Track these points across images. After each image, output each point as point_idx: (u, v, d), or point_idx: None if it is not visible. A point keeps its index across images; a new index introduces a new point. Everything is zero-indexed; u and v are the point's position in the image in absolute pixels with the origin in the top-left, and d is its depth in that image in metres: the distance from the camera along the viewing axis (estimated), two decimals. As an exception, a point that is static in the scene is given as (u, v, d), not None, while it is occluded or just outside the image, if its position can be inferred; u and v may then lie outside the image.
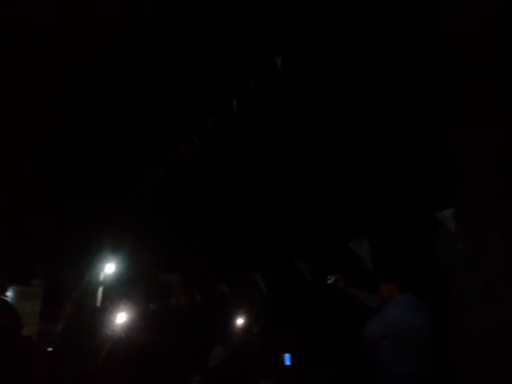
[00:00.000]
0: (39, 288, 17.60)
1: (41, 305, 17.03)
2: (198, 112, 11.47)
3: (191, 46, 10.55)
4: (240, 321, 12.12)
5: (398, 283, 5.20)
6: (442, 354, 5.37)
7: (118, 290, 16.81)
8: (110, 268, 17.64)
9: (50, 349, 11.34)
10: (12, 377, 6.43)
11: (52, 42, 9.55)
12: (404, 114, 8.97)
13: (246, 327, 11.56)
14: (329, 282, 6.19)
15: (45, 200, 14.31)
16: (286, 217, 12.71)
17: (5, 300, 10.26)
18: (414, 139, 8.84)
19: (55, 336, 14.05)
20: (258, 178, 13.01)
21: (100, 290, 17.44)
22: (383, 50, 8.85)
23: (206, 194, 13.86)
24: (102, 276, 17.48)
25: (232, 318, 12.05)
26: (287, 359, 13.96)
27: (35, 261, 16.74)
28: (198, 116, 11.44)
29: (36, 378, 7.55)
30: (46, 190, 14.15)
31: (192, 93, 11.59)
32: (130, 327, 14.43)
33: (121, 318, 17.20)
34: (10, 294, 15.85)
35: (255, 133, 12.08)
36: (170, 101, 12.08)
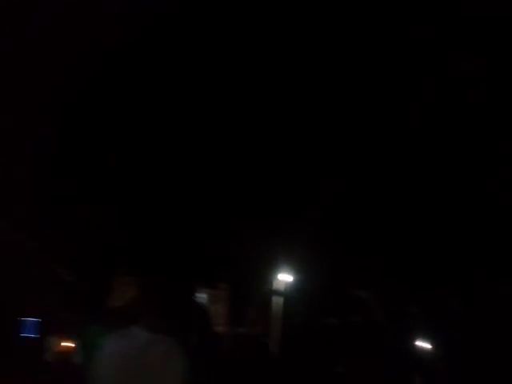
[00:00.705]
0: (226, 292, 18.99)
1: (228, 308, 18.34)
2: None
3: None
4: (427, 346, 11.12)
5: None
6: None
7: (296, 300, 17.11)
8: (287, 277, 18.07)
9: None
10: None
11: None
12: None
13: (437, 354, 10.52)
14: None
15: (231, 214, 15.45)
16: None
17: (198, 301, 11.22)
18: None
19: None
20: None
21: (279, 298, 17.98)
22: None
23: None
24: (281, 285, 17.98)
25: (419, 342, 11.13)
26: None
27: (222, 267, 18.06)
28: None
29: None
30: (233, 206, 15.33)
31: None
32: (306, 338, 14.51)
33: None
34: (203, 296, 17.52)
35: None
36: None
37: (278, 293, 17.68)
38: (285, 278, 17.75)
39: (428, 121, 10.79)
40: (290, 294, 17.12)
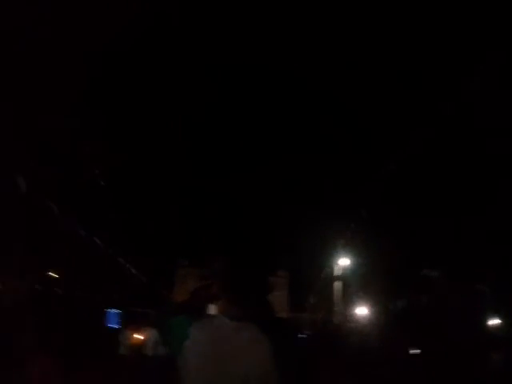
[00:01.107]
0: (286, 279, 19.14)
1: (287, 295, 18.49)
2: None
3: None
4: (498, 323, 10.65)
5: None
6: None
7: (355, 284, 16.93)
8: (345, 262, 17.90)
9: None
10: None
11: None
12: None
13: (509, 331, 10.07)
14: None
15: (290, 199, 15.55)
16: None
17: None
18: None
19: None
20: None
21: (338, 283, 17.87)
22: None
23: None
24: (338, 269, 17.85)
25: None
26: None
27: (281, 254, 18.17)
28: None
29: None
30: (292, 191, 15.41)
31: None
32: (372, 322, 14.35)
33: (361, 310, 17.30)
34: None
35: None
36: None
37: (337, 278, 17.57)
38: (343, 262, 17.60)
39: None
40: (349, 278, 16.95)
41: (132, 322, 9.75)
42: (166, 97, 12.62)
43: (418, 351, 9.90)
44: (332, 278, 17.15)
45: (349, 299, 16.57)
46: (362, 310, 15.71)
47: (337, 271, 17.81)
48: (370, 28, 10.82)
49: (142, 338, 9.09)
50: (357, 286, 16.62)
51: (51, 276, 18.92)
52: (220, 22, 10.96)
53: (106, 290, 15.94)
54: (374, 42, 11.08)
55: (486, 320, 10.40)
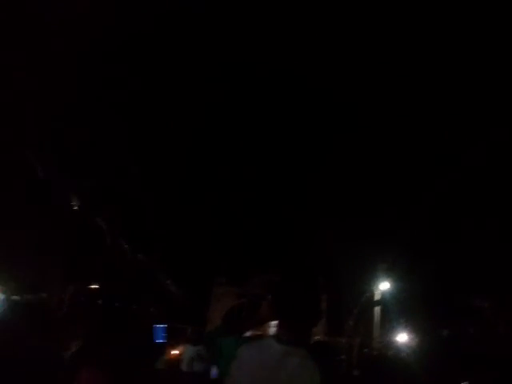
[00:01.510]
0: (324, 302, 18.70)
1: (325, 317, 18.11)
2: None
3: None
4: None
5: None
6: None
7: (396, 309, 16.45)
8: (385, 286, 17.46)
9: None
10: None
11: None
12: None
13: None
14: None
15: (327, 224, 15.41)
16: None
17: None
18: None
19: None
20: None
21: (377, 307, 17.43)
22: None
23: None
24: (378, 294, 17.44)
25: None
26: None
27: (318, 275, 17.91)
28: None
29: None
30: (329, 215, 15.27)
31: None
32: (412, 348, 13.83)
33: (401, 337, 16.75)
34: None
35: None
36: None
37: (377, 302, 17.16)
38: (384, 286, 17.19)
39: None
40: (389, 303, 16.50)
41: (169, 337, 9.82)
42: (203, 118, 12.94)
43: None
44: (372, 303, 16.74)
45: (389, 325, 16.10)
46: (402, 337, 15.21)
47: (377, 295, 17.40)
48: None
49: (178, 353, 9.14)
50: (397, 311, 16.15)
51: (95, 288, 19.50)
52: (224, 24, 11.12)
53: (146, 304, 16.16)
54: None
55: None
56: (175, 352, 9.16)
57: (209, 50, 11.76)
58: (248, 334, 3.20)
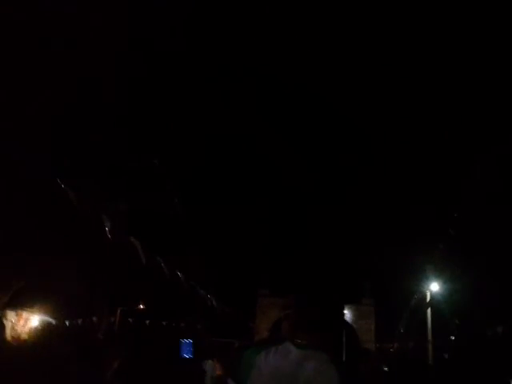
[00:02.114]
0: (371, 307, 18.39)
1: (374, 323, 17.71)
2: None
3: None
4: None
5: None
6: None
7: (448, 310, 15.86)
8: (435, 287, 16.88)
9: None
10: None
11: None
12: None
13: None
14: None
15: (373, 225, 15.16)
16: None
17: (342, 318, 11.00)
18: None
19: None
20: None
21: (428, 310, 16.84)
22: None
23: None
24: (428, 295, 16.86)
25: None
26: None
27: (364, 280, 17.57)
28: None
29: None
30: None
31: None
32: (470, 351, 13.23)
33: (455, 339, 16.05)
34: (346, 312, 17.16)
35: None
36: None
37: (429, 304, 16.56)
38: (432, 287, 16.61)
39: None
40: (440, 305, 15.90)
41: (215, 352, 9.82)
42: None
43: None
44: (424, 305, 16.19)
45: (440, 327, 15.51)
46: (456, 338, 14.63)
47: (427, 297, 16.82)
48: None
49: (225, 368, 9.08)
50: (449, 312, 15.55)
51: (140, 309, 19.96)
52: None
53: (187, 320, 16.37)
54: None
55: None
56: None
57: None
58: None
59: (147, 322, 15.42)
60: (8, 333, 11.70)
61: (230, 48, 11.53)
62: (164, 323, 16.51)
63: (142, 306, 18.77)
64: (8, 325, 12.99)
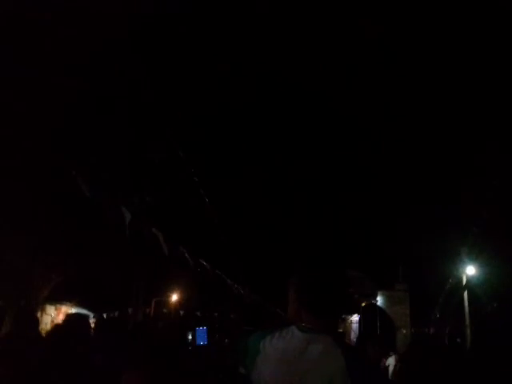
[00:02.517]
0: (405, 293, 18.10)
1: (409, 308, 17.44)
2: None
3: None
4: None
5: None
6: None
7: (484, 294, 15.47)
8: (471, 270, 16.47)
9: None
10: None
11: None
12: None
13: None
14: None
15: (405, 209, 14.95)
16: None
17: (375, 304, 10.90)
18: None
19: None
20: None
21: (465, 294, 16.48)
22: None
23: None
24: (464, 279, 16.49)
25: None
26: None
27: (398, 266, 17.30)
28: None
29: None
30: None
31: None
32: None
33: (493, 323, 15.53)
34: (378, 298, 16.98)
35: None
36: None
37: (464, 288, 16.19)
38: (468, 270, 16.22)
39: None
40: (476, 288, 15.52)
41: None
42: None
43: None
44: (460, 289, 15.84)
45: (477, 311, 15.14)
46: (494, 323, 14.23)
47: (463, 281, 16.45)
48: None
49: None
50: (486, 296, 15.15)
51: (174, 300, 20.40)
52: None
53: (226, 312, 16.60)
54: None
55: None
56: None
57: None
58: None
59: (181, 312, 15.73)
60: (48, 327, 12.14)
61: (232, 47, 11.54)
62: (198, 313, 16.82)
63: (175, 297, 19.21)
64: (48, 319, 13.52)
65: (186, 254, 7.29)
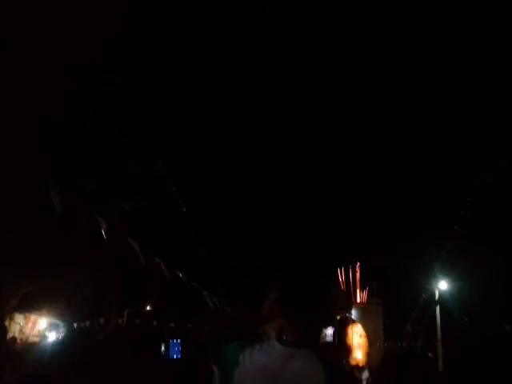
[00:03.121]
0: (380, 306, 18.25)
1: (382, 322, 17.58)
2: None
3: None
4: None
5: None
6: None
7: (456, 308, 15.71)
8: (443, 285, 16.73)
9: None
10: None
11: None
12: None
13: None
14: None
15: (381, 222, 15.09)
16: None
17: (348, 317, 10.99)
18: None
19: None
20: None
21: (437, 308, 16.70)
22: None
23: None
24: (436, 294, 16.73)
25: None
26: None
27: (373, 280, 17.47)
28: None
29: None
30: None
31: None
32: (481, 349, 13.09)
33: (465, 337, 15.87)
34: (353, 312, 17.07)
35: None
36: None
37: (437, 303, 16.42)
38: (440, 285, 16.47)
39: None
40: (447, 303, 15.77)
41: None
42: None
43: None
44: (433, 303, 16.05)
45: (449, 325, 15.37)
46: (465, 337, 14.48)
47: (436, 296, 16.68)
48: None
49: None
50: (458, 310, 15.41)
51: (147, 310, 20.07)
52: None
53: (194, 321, 16.42)
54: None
55: None
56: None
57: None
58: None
59: (154, 322, 15.48)
60: (16, 335, 11.82)
61: (230, 46, 11.55)
62: (172, 324, 16.55)
63: (149, 308, 18.92)
64: (16, 327, 13.14)
65: (162, 266, 7.22)
